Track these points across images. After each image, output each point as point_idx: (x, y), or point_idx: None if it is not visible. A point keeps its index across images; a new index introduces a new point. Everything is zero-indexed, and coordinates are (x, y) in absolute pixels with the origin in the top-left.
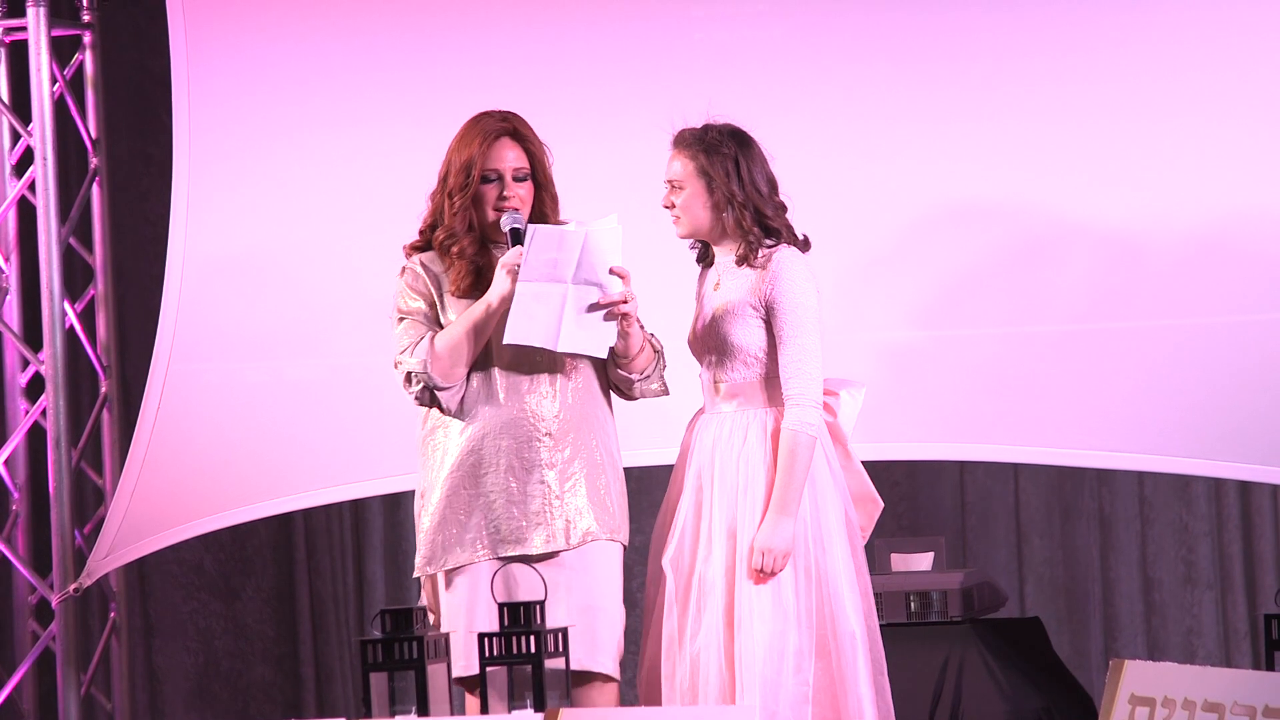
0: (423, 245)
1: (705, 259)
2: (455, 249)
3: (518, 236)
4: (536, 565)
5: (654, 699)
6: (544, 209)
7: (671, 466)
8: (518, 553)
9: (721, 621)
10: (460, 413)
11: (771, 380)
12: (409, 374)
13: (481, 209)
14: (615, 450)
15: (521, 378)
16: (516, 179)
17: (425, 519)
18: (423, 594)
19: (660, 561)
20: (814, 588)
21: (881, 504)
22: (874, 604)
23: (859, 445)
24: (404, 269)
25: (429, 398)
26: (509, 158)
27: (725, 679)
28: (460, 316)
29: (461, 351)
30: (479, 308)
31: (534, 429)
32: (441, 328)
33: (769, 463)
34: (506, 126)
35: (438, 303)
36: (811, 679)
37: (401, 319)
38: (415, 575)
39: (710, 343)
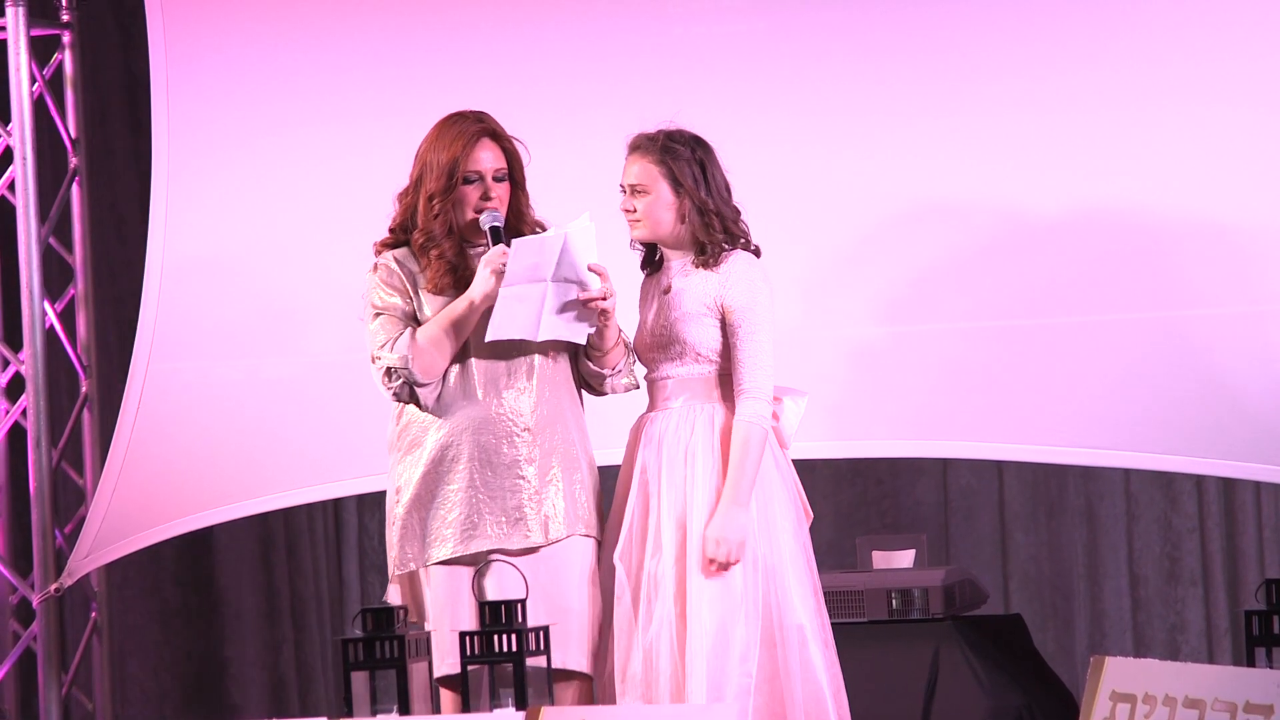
0: (393, 243)
1: (651, 263)
2: (435, 251)
3: (497, 235)
4: (515, 561)
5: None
6: (520, 207)
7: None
8: (496, 548)
9: (673, 613)
10: (437, 409)
11: (720, 378)
12: (389, 369)
13: (462, 210)
14: (588, 445)
15: (500, 374)
16: (496, 179)
17: (399, 516)
18: (391, 591)
19: (612, 558)
20: (760, 579)
21: (811, 515)
22: (823, 600)
23: (840, 443)
24: (376, 265)
25: (408, 393)
26: (488, 159)
27: (678, 670)
28: (441, 312)
29: (443, 346)
30: (460, 304)
31: (512, 424)
32: (419, 324)
33: (717, 456)
34: (485, 127)
35: (414, 299)
36: (755, 670)
37: (377, 314)
38: (394, 572)
39: (662, 341)
